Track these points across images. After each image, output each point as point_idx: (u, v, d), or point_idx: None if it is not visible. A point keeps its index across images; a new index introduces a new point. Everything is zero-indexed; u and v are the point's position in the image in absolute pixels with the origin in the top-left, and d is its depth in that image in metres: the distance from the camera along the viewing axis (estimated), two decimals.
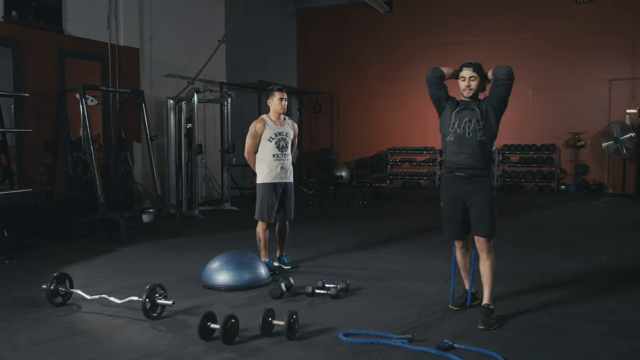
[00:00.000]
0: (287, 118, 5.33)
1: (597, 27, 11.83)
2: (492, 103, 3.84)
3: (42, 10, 7.29)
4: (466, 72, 3.86)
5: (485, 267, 3.88)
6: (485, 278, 3.88)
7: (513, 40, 12.45)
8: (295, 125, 5.43)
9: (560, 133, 12.16)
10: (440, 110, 4.00)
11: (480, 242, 3.86)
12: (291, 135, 5.29)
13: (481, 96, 3.96)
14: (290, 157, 5.29)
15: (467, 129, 3.82)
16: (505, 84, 3.79)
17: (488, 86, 3.94)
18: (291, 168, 5.31)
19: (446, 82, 4.03)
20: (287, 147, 5.23)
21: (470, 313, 3.92)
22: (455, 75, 3.96)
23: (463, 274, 4.18)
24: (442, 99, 3.97)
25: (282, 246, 5.42)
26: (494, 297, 3.88)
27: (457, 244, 4.07)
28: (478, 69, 3.87)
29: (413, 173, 13.38)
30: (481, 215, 3.81)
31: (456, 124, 3.86)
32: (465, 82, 3.85)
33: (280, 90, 5.20)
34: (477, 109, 3.83)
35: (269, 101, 5.23)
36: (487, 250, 3.85)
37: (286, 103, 5.21)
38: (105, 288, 4.46)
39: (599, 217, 8.67)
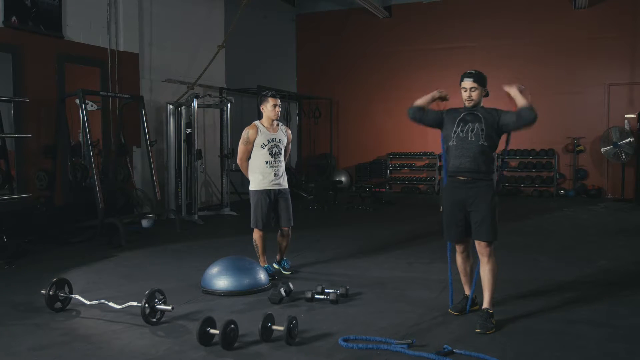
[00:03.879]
0: (280, 124, 5.29)
1: (595, 33, 11.87)
2: (499, 123, 3.82)
3: (42, 15, 7.31)
4: (467, 83, 3.87)
5: (485, 272, 3.88)
6: (485, 282, 3.88)
7: (512, 46, 12.49)
8: (289, 131, 5.40)
9: (559, 138, 12.17)
10: (441, 126, 4.02)
11: (480, 246, 3.87)
12: (284, 142, 5.26)
13: (485, 102, 3.97)
14: (283, 164, 5.26)
15: (469, 134, 3.84)
16: (522, 127, 3.79)
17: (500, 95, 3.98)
18: (285, 174, 5.30)
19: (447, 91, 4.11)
20: (281, 154, 5.21)
21: (470, 318, 3.92)
22: (435, 99, 4.04)
23: (463, 279, 4.17)
24: (438, 119, 4.02)
25: (282, 252, 5.42)
26: (493, 302, 3.89)
27: (458, 248, 4.08)
28: (479, 78, 3.87)
29: (412, 178, 13.38)
30: (482, 220, 3.82)
31: (459, 129, 3.88)
32: (467, 93, 3.87)
33: (274, 96, 5.15)
34: (481, 116, 3.84)
35: (262, 107, 5.19)
36: (487, 254, 3.86)
37: (279, 109, 5.15)
38: (105, 293, 4.47)
39: (598, 222, 8.66)
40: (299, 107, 13.97)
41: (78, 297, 4.17)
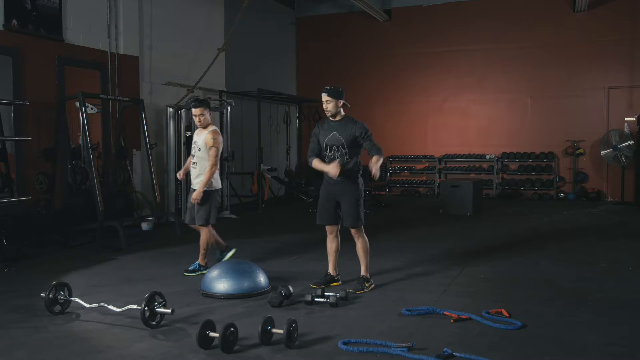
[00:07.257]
0: (210, 128, 5.43)
1: (595, 36, 11.89)
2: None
3: (42, 18, 7.32)
4: (322, 96, 4.84)
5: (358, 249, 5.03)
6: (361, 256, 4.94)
7: (511, 49, 12.50)
8: (210, 136, 5.38)
9: (559, 141, 12.19)
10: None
11: (352, 232, 4.98)
12: (199, 144, 5.43)
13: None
14: (198, 166, 5.43)
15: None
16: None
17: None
18: (201, 177, 5.38)
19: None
20: (195, 156, 5.45)
21: (471, 323, 3.92)
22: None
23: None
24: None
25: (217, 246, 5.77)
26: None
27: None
28: (332, 93, 4.90)
29: (412, 181, 13.38)
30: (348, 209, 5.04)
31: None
32: (324, 105, 4.83)
33: (194, 106, 5.39)
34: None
35: None
36: (356, 236, 5.01)
37: (202, 118, 5.36)
38: (104, 296, 4.46)
39: (598, 225, 8.66)
40: (298, 110, 13.98)
41: (77, 300, 4.16)
